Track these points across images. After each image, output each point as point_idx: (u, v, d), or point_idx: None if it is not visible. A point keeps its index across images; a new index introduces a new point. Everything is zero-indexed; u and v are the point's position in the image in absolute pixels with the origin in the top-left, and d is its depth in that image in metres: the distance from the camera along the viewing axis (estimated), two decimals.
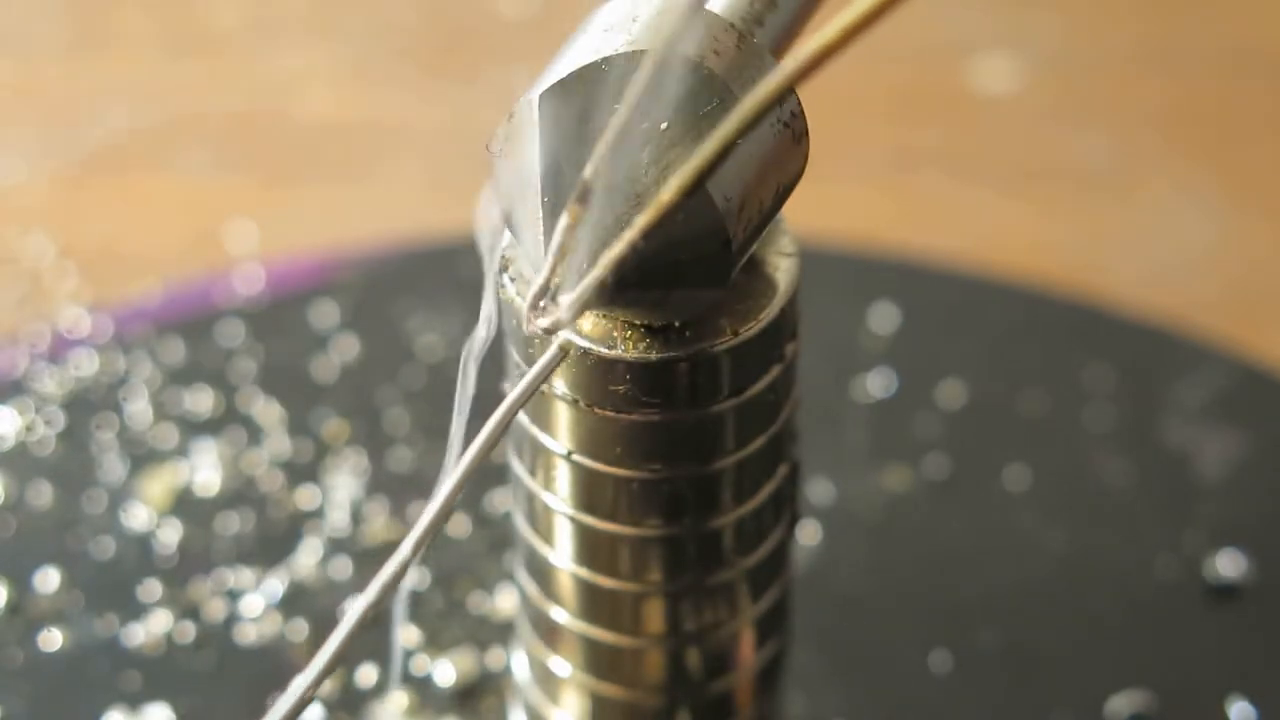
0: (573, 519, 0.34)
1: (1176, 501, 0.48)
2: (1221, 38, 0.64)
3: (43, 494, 0.48)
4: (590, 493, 0.34)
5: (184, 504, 0.48)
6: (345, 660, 0.44)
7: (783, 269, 0.33)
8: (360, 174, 0.60)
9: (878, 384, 0.51)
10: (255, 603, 0.46)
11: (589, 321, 0.32)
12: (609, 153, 0.29)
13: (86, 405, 0.50)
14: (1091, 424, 0.50)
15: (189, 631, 0.45)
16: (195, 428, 0.50)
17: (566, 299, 0.30)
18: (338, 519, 0.47)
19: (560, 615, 0.36)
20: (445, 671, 0.44)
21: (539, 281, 0.30)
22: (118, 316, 0.52)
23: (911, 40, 0.64)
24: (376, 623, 0.31)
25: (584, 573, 0.35)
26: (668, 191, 0.28)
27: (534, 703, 0.39)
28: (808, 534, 0.47)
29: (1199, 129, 0.61)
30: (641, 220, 0.29)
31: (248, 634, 0.45)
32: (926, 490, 0.48)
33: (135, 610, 0.45)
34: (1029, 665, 0.45)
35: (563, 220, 0.29)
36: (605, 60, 0.30)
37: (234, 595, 0.46)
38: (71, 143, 0.60)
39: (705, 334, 0.32)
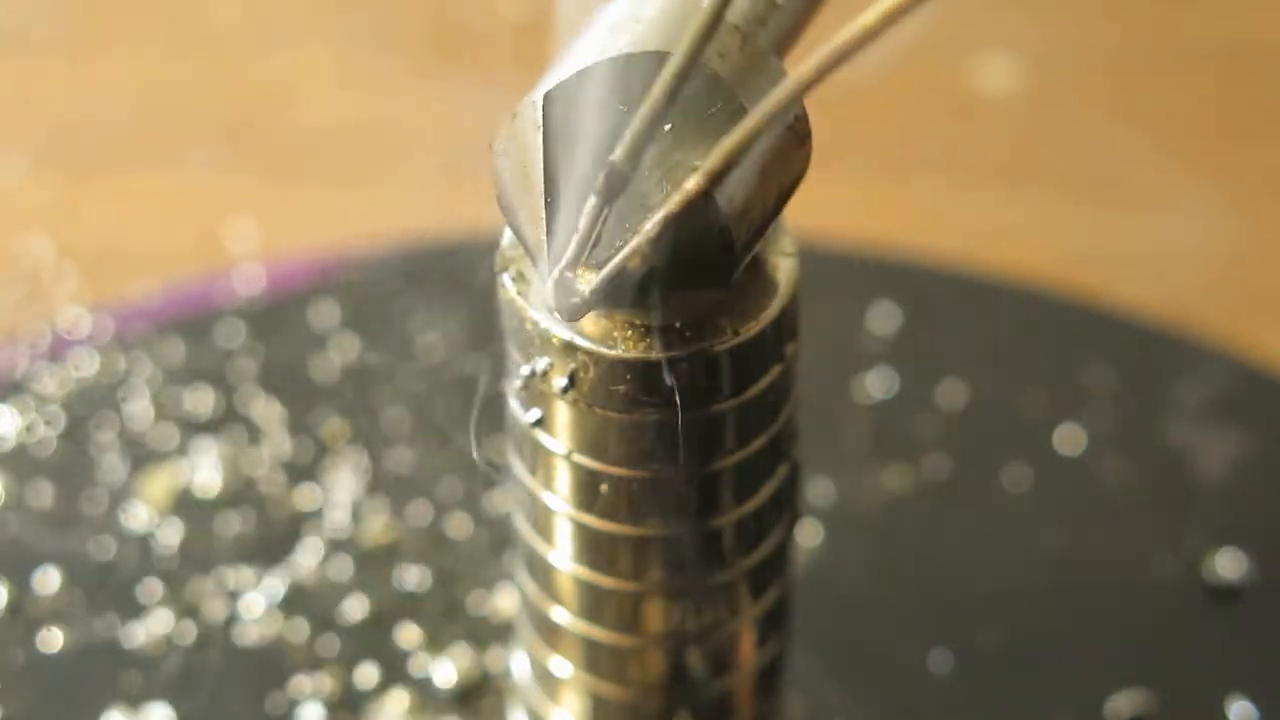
0: (573, 519, 0.34)
1: (1176, 501, 0.48)
2: (1221, 37, 0.64)
3: (43, 494, 0.48)
4: (590, 493, 0.34)
5: (184, 504, 0.48)
6: (347, 662, 0.45)
7: (783, 269, 0.33)
8: (360, 174, 0.60)
9: (878, 384, 0.51)
10: (255, 603, 0.46)
11: (589, 321, 0.32)
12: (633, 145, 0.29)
13: (86, 405, 0.50)
14: (1091, 424, 0.50)
15: (189, 631, 0.45)
16: (195, 428, 0.49)
17: (589, 282, 0.30)
18: (338, 519, 0.47)
19: (560, 615, 0.36)
20: (445, 671, 0.44)
21: (569, 255, 0.30)
22: (118, 316, 0.52)
23: (911, 40, 0.64)
24: None
25: (584, 573, 0.35)
26: (693, 181, 0.29)
27: (534, 703, 0.39)
28: (808, 534, 0.47)
29: (1199, 129, 0.61)
30: (671, 202, 0.29)
31: (248, 634, 0.45)
32: (926, 490, 0.48)
33: (135, 610, 0.45)
34: (1029, 665, 0.45)
35: (591, 201, 0.29)
36: (609, 60, 0.30)
37: (234, 595, 0.46)
38: (71, 143, 0.60)
39: (705, 334, 0.32)
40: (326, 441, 0.49)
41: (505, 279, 0.33)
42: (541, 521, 0.35)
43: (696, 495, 0.34)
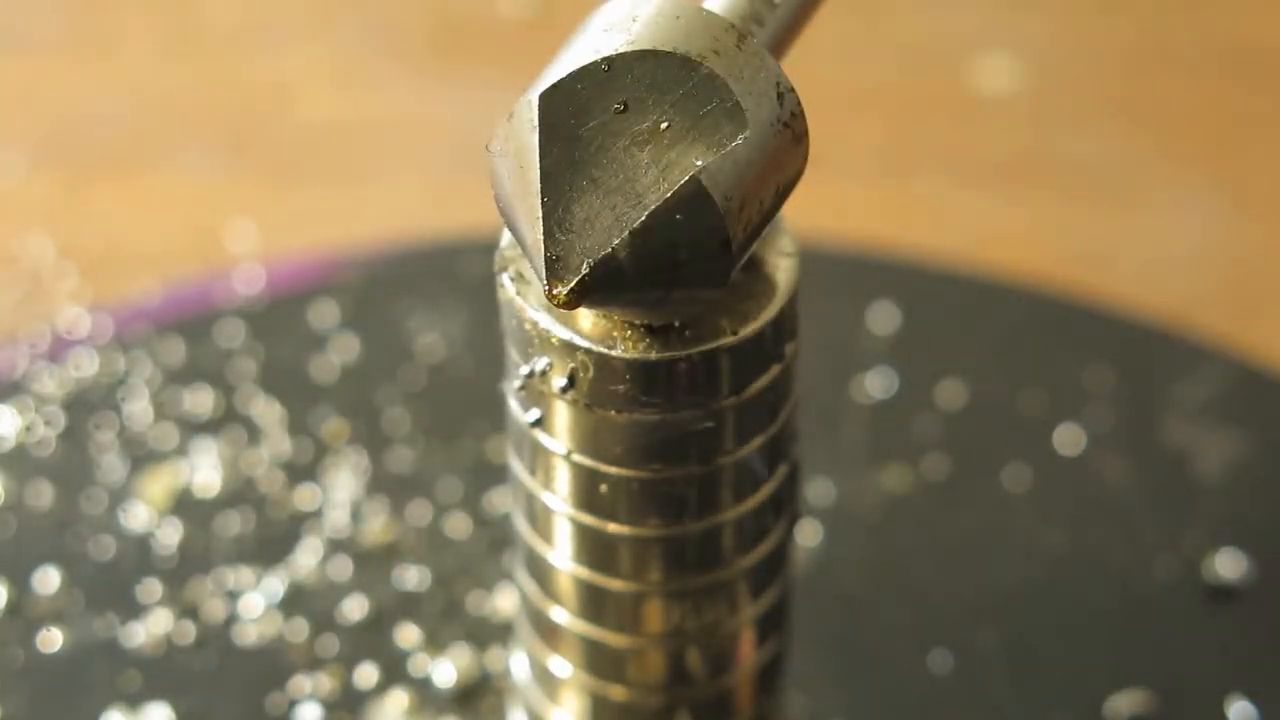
0: (573, 519, 0.34)
1: (1176, 501, 0.48)
2: (1221, 37, 0.64)
3: (43, 494, 0.48)
4: (590, 493, 0.34)
5: (184, 504, 0.48)
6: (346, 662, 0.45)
7: (783, 269, 0.33)
8: (360, 174, 0.60)
9: (878, 384, 0.51)
10: (255, 603, 0.46)
11: (589, 321, 0.32)
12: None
13: (86, 405, 0.50)
14: (1091, 424, 0.50)
15: (189, 631, 0.45)
16: (195, 428, 0.50)
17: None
18: (338, 519, 0.48)
19: (560, 615, 0.36)
20: (445, 671, 0.44)
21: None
22: (118, 316, 0.52)
23: (911, 40, 0.64)
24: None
25: (584, 573, 0.35)
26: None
27: (534, 703, 0.39)
28: (808, 534, 0.47)
29: (1198, 128, 0.61)
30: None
31: (248, 634, 0.45)
32: (926, 490, 0.48)
33: (135, 610, 0.45)
34: (1029, 665, 0.45)
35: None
36: (605, 60, 0.30)
37: (234, 595, 0.46)
38: (71, 143, 0.60)
39: (705, 334, 0.32)
40: (326, 441, 0.49)
41: (505, 279, 0.33)
42: (541, 521, 0.35)
43: (696, 495, 0.34)
